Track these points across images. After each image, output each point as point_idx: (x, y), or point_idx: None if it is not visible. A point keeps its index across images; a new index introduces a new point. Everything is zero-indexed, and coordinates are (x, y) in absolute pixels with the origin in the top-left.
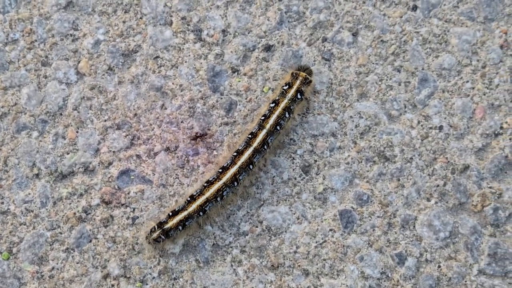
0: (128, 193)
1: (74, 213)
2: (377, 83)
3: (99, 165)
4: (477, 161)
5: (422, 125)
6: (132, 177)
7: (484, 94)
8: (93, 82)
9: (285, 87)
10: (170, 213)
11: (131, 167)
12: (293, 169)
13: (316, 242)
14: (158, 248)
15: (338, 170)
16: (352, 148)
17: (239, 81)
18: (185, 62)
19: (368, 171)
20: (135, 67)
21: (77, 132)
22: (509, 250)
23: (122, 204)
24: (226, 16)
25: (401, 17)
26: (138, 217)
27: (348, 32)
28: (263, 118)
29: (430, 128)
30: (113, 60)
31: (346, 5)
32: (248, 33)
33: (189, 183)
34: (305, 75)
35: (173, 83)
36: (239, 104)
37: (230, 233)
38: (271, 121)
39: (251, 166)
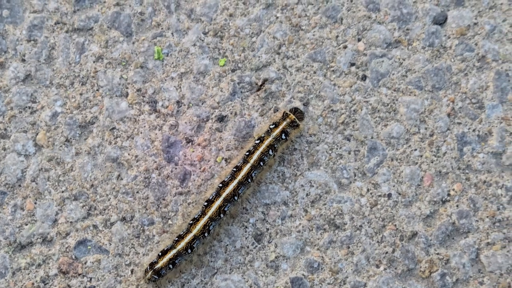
0: (85, 263)
1: (33, 283)
2: (327, 152)
3: (56, 236)
4: (425, 227)
5: (371, 193)
6: (89, 247)
7: (432, 162)
8: (51, 153)
9: (271, 126)
10: (160, 253)
11: (88, 237)
12: (246, 238)
13: None
14: (156, 286)
15: (290, 238)
16: (303, 217)
17: (193, 151)
18: (141, 133)
19: (319, 239)
20: (92, 138)
21: (35, 203)
22: None
23: (79, 274)
24: (180, 87)
25: (351, 86)
26: (95, 287)
27: (299, 102)
28: (247, 153)
29: (379, 196)
30: (70, 131)
31: (297, 76)
32: (202, 104)
33: (144, 252)
34: (294, 118)
35: (129, 154)
36: (193, 174)
37: None
38: (255, 156)
39: (235, 198)
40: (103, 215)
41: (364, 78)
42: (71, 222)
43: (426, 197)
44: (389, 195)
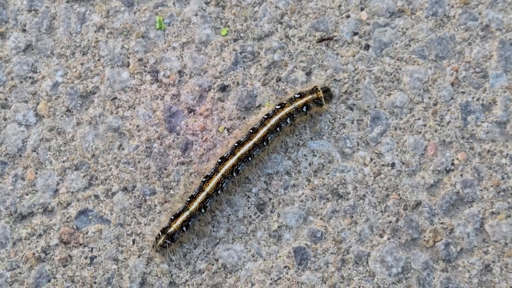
0: (86, 233)
1: (33, 254)
2: (330, 122)
3: (57, 206)
4: (429, 197)
5: (374, 163)
6: (90, 217)
7: (436, 131)
8: (52, 124)
9: (296, 95)
10: (172, 217)
11: (89, 207)
12: (248, 207)
13: (271, 279)
14: (166, 254)
15: (293, 208)
16: (306, 186)
17: (195, 121)
18: (142, 103)
19: (321, 209)
20: (93, 108)
21: (36, 173)
22: (460, 285)
23: (81, 244)
24: (182, 57)
25: (354, 56)
26: (96, 257)
27: (301, 71)
28: (265, 117)
29: (383, 165)
30: (71, 102)
31: (299, 45)
32: (204, 73)
33: (146, 222)
34: (320, 96)
35: (130, 124)
36: (195, 144)
37: (187, 271)
38: (273, 120)
39: (249, 159)
40: (104, 185)
41: (367, 47)
42: (72, 192)
43: (430, 166)
44: (393, 165)
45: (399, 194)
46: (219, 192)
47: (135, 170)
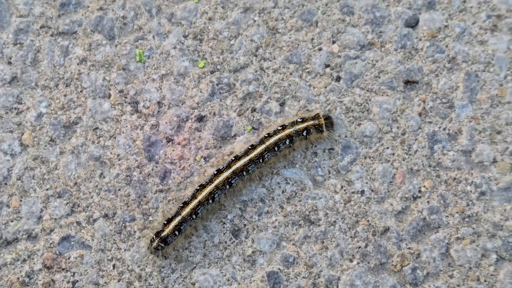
0: (69, 258)
1: (18, 278)
2: (303, 151)
3: (41, 232)
4: (397, 223)
5: (345, 190)
6: (72, 243)
7: (404, 160)
8: (36, 153)
9: (298, 120)
10: (165, 222)
11: (72, 233)
12: (224, 233)
13: None
14: (160, 255)
15: (266, 233)
16: (279, 213)
17: (173, 150)
18: (123, 132)
19: (294, 234)
20: (75, 138)
21: (20, 200)
22: None
23: (63, 269)
24: (161, 88)
25: (326, 87)
26: (77, 281)
27: (275, 102)
28: (266, 135)
29: (353, 192)
30: (55, 131)
31: (274, 77)
32: (182, 104)
33: (126, 248)
34: (322, 123)
35: (111, 153)
36: (173, 172)
37: None
38: (272, 140)
39: (243, 173)
40: (86, 212)
41: (338, 79)
42: (55, 219)
43: (398, 193)
44: (362, 192)
45: (368, 220)
46: (210, 201)
47: (115, 198)
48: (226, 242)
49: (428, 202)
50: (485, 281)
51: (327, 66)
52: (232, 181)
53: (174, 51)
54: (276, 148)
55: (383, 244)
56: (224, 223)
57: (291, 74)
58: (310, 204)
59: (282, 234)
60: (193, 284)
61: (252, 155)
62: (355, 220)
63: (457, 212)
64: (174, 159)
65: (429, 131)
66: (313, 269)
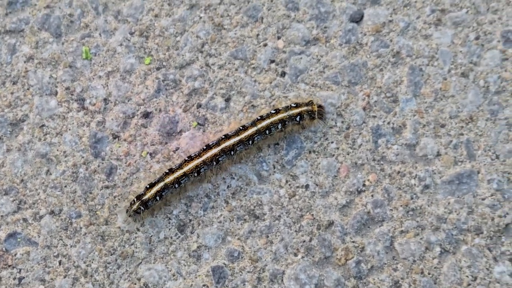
0: (15, 255)
1: None
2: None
3: None
4: (341, 217)
5: (290, 185)
6: (18, 239)
7: (348, 154)
8: None
9: (292, 105)
10: (148, 186)
11: (18, 230)
12: (169, 229)
13: None
14: (139, 219)
15: (211, 228)
16: (224, 208)
17: (119, 147)
18: (69, 129)
19: (239, 229)
20: (22, 135)
21: None
22: None
23: (9, 266)
24: (107, 85)
25: (271, 82)
26: (24, 278)
27: (221, 98)
28: (258, 118)
29: (297, 187)
30: (2, 129)
31: (219, 73)
32: (128, 101)
33: (72, 244)
34: (316, 110)
35: (57, 150)
36: (119, 168)
37: None
38: (264, 123)
39: (231, 153)
40: (32, 208)
41: (283, 74)
42: (1, 216)
43: (342, 187)
44: (307, 186)
45: (312, 215)
46: (195, 174)
47: (62, 194)
48: (171, 238)
49: (372, 195)
50: (429, 273)
51: (272, 61)
52: (220, 159)
53: (121, 48)
54: (267, 132)
55: (327, 238)
56: (170, 219)
57: (236, 70)
58: (255, 199)
59: (227, 229)
60: (139, 279)
61: (242, 136)
62: (300, 214)
63: (401, 206)
64: (120, 156)
65: (373, 125)
66: (258, 264)
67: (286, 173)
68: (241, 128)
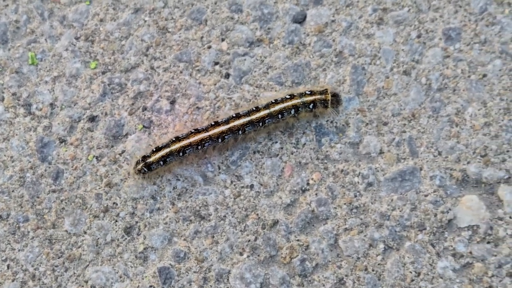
0: None
1: None
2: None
3: None
4: (286, 216)
5: (234, 185)
6: None
7: (292, 153)
8: None
9: (307, 92)
10: (154, 149)
11: None
12: (116, 231)
13: None
14: (142, 178)
15: (158, 230)
16: (170, 209)
17: (66, 151)
18: (16, 135)
19: (185, 230)
20: None
21: None
22: None
23: None
24: (53, 90)
25: (215, 84)
26: None
27: (166, 100)
28: (273, 101)
29: (242, 187)
30: None
31: (164, 76)
32: (74, 105)
33: (20, 248)
34: (329, 99)
35: (4, 155)
36: (66, 172)
37: None
38: (277, 107)
39: (239, 132)
40: None
41: (227, 76)
42: None
43: (286, 187)
44: (252, 186)
45: (257, 214)
46: (199, 147)
47: (9, 199)
48: (118, 240)
49: (316, 194)
50: (373, 270)
51: (216, 63)
52: (226, 137)
53: (66, 53)
54: (279, 116)
55: (272, 237)
56: (116, 221)
57: (181, 72)
58: (200, 199)
59: (173, 230)
60: (86, 282)
61: (253, 117)
62: (245, 214)
63: (345, 204)
64: (67, 160)
65: (316, 125)
66: (203, 264)
67: (231, 173)
68: (253, 109)
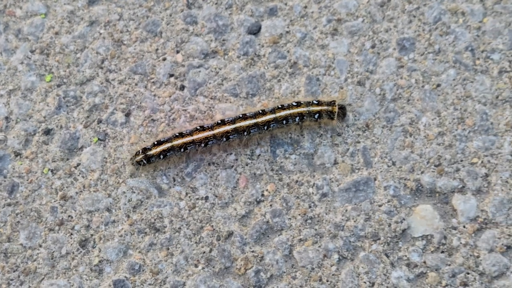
0: None
1: None
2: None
3: None
4: (241, 227)
5: (189, 197)
6: None
7: (247, 165)
8: None
9: (314, 101)
10: (156, 142)
11: None
12: (71, 244)
13: None
14: (139, 170)
15: (113, 242)
16: (125, 222)
17: (21, 164)
18: None
19: (140, 242)
20: None
21: None
22: None
23: None
24: (9, 104)
25: (170, 96)
26: None
27: (121, 113)
28: (279, 106)
29: (197, 199)
30: None
31: (119, 88)
32: (29, 118)
33: None
34: (335, 111)
35: None
36: (21, 186)
37: None
38: (283, 112)
39: (244, 133)
40: None
41: (182, 88)
42: None
43: (241, 198)
44: (207, 198)
45: (212, 226)
46: (202, 145)
47: None
48: (73, 253)
49: (271, 205)
50: (327, 281)
51: (171, 75)
52: (230, 136)
53: (22, 66)
54: (284, 122)
55: (227, 248)
56: (72, 234)
57: (136, 84)
58: (155, 212)
59: (129, 242)
60: None
61: (259, 119)
62: (200, 226)
63: (299, 214)
64: (22, 173)
65: (271, 136)
66: (159, 276)
67: (186, 185)
68: (260, 111)
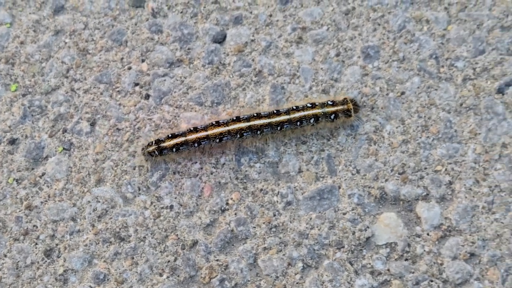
0: None
1: None
2: (113, 169)
3: None
4: (205, 236)
5: (154, 206)
6: None
7: (212, 174)
8: None
9: (329, 102)
10: (170, 135)
11: None
12: (36, 254)
13: None
14: (150, 161)
15: (78, 252)
16: (90, 231)
17: None
18: None
19: (105, 252)
20: None
21: None
22: None
23: None
24: None
25: (135, 105)
26: None
27: (86, 122)
28: (294, 107)
29: (162, 208)
30: None
31: (85, 97)
32: None
33: None
34: (351, 108)
35: None
36: None
37: None
38: (298, 114)
39: (258, 132)
40: None
41: (147, 97)
42: None
43: (206, 207)
44: (171, 207)
45: (177, 235)
46: (217, 140)
47: None
48: (38, 262)
49: (235, 214)
50: None
51: (137, 84)
52: (244, 134)
53: None
54: (298, 123)
55: (192, 257)
56: (36, 244)
57: (101, 93)
58: (120, 221)
59: (93, 251)
60: None
61: (273, 119)
62: (165, 235)
63: (264, 223)
64: None
65: (235, 144)
66: (123, 285)
67: (151, 194)
68: (274, 112)
